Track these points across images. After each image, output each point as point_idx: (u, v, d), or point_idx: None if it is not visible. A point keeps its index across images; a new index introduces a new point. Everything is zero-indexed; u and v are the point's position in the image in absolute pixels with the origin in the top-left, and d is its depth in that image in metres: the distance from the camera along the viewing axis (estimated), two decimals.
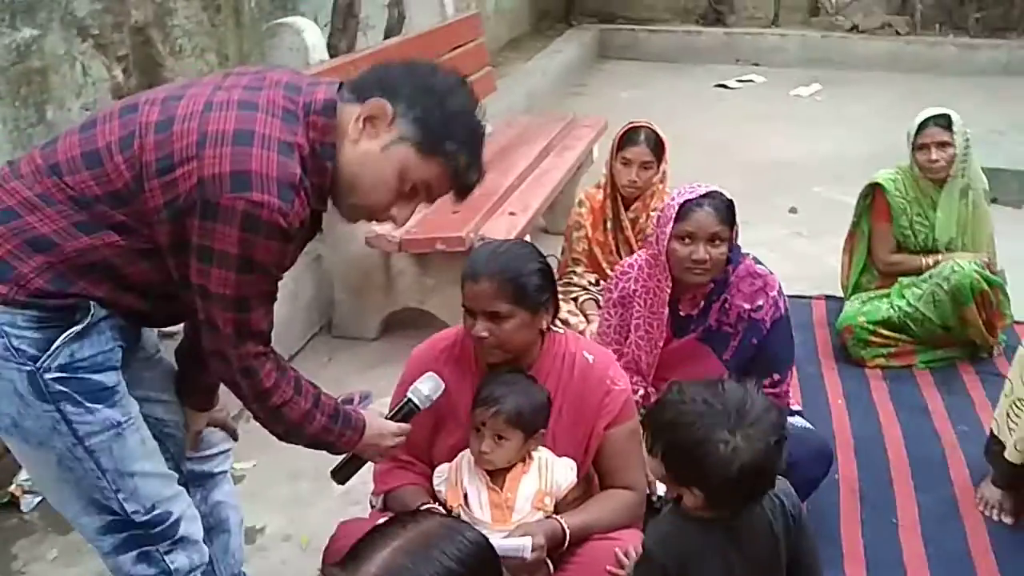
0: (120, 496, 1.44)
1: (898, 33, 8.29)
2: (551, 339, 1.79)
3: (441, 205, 3.22)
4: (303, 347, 3.25)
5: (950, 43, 8.06)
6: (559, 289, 3.19)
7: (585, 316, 3.11)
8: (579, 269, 3.23)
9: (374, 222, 1.55)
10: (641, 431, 1.96)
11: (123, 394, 1.45)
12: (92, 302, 1.37)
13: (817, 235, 4.16)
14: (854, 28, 8.42)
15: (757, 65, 8.06)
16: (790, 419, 2.05)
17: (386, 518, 1.20)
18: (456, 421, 1.77)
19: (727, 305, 2.23)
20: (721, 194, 2.16)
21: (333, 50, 4.07)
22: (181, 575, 1.52)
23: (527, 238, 3.26)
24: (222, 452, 1.80)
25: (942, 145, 2.91)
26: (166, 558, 1.50)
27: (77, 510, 1.47)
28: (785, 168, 5.27)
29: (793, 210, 4.60)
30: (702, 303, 2.23)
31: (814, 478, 2.13)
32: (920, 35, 8.27)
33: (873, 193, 3.11)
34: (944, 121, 2.92)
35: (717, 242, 2.12)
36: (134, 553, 1.48)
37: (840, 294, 3.34)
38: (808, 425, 2.24)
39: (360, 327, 3.28)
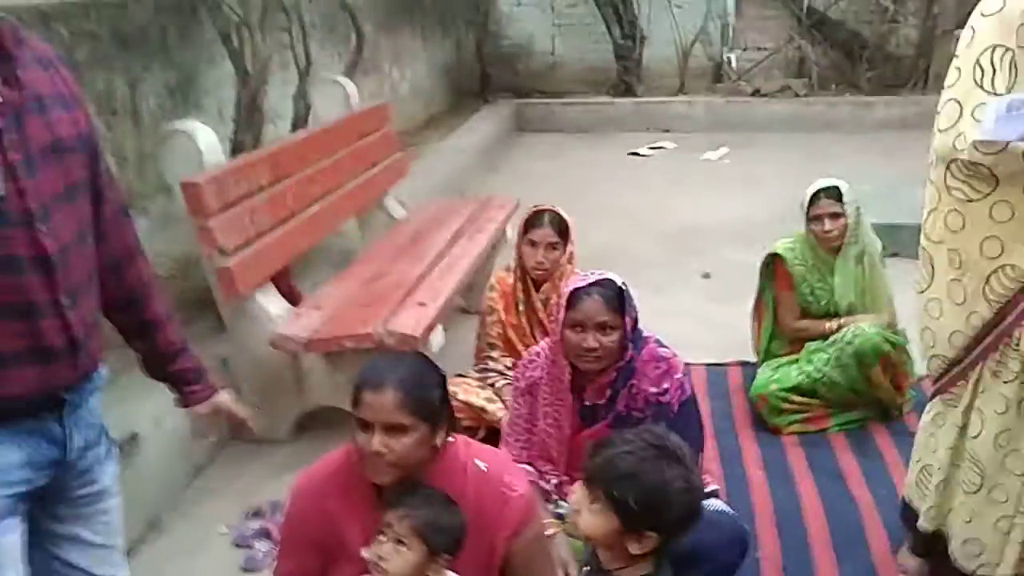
0: None
1: (797, 95, 8.71)
2: (442, 450, 1.74)
3: (349, 300, 3.21)
4: (214, 455, 3.12)
5: (846, 102, 8.50)
6: (476, 374, 3.20)
7: (503, 402, 3.07)
8: (495, 353, 3.21)
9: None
10: (546, 530, 1.94)
11: None
12: None
13: (730, 300, 4.22)
14: (756, 92, 8.82)
15: (667, 132, 8.35)
16: (704, 502, 2.04)
17: None
18: (347, 555, 1.67)
19: (634, 391, 2.23)
20: (611, 281, 2.18)
21: (239, 145, 4.03)
22: None
23: (440, 326, 3.23)
24: None
25: (834, 216, 3.01)
26: None
27: None
28: (697, 233, 5.39)
29: (706, 275, 4.69)
30: (608, 391, 2.23)
31: (731, 563, 2.10)
32: (818, 96, 8.70)
33: (773, 262, 3.19)
34: (835, 192, 3.03)
35: (607, 330, 2.13)
36: None
37: (753, 360, 3.39)
38: (722, 507, 2.22)
39: (272, 430, 3.16)
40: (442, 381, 1.73)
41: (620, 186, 6.53)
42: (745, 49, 9.29)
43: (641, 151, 7.71)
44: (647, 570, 1.60)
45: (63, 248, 1.34)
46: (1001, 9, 1.83)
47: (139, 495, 2.57)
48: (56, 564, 1.48)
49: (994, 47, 1.83)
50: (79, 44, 3.60)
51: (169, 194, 4.09)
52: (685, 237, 5.31)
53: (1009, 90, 1.81)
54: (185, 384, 1.65)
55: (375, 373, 1.67)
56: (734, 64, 9.24)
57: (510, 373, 3.18)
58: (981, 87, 1.84)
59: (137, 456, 2.63)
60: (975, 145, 1.81)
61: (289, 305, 3.17)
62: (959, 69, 1.89)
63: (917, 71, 8.72)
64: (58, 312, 1.33)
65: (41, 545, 1.45)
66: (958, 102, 1.87)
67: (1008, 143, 1.76)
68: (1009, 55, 1.81)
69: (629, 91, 8.96)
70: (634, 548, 1.55)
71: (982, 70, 1.83)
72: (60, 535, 1.47)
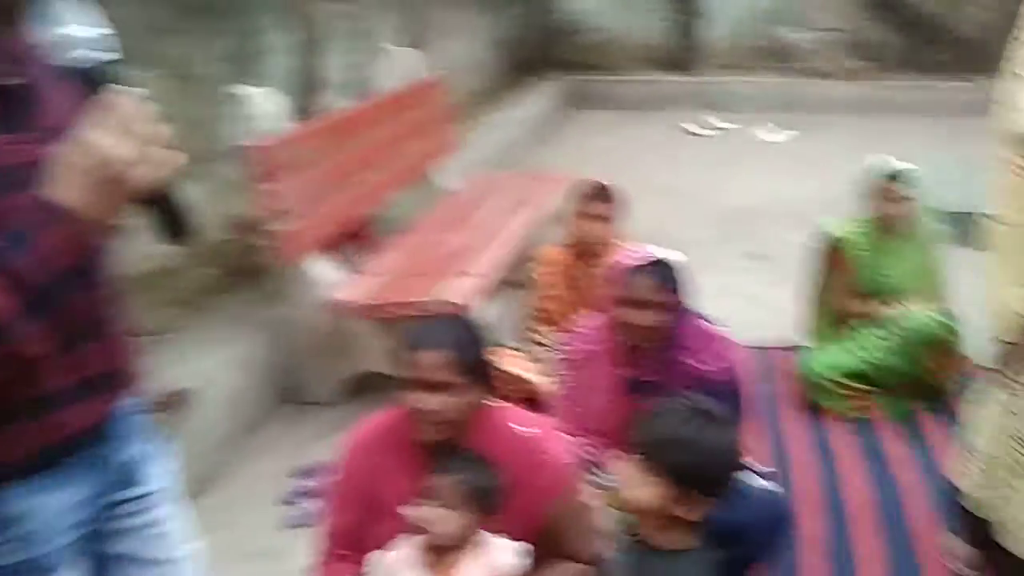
0: None
1: (861, 77, 8.48)
2: (484, 414, 1.77)
3: (401, 268, 3.26)
4: (265, 414, 3.21)
5: (913, 86, 8.24)
6: (521, 346, 3.23)
7: (546, 375, 3.09)
8: (541, 327, 3.23)
9: None
10: (591, 501, 1.96)
11: None
12: None
13: (780, 281, 4.17)
14: (818, 73, 8.61)
15: (725, 111, 8.20)
16: (750, 481, 2.04)
17: None
18: (389, 511, 1.71)
19: (683, 367, 2.22)
20: (663, 260, 2.17)
21: (297, 113, 4.10)
22: None
23: (487, 297, 3.27)
24: None
25: (899, 199, 2.95)
26: None
27: None
28: (751, 213, 5.32)
29: (757, 256, 4.63)
30: (658, 368, 2.23)
31: (771, 540, 2.10)
32: (883, 78, 8.45)
33: (830, 243, 3.14)
34: (901, 175, 2.96)
35: (657, 309, 2.12)
36: None
37: (804, 342, 3.35)
38: (768, 486, 2.21)
39: (321, 392, 3.25)
40: (488, 344, 1.76)
41: (673, 164, 6.47)
42: (808, 29, 9.05)
43: (695, 129, 7.60)
44: (689, 543, 1.61)
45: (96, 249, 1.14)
46: None
47: (193, 451, 2.66)
48: None
49: None
50: (148, 8, 3.69)
51: (226, 159, 4.19)
52: (737, 217, 5.25)
53: None
54: None
55: (425, 333, 1.71)
56: (796, 44, 9.02)
57: (555, 347, 3.20)
58: None
59: (192, 413, 2.72)
60: None
61: (342, 271, 3.23)
62: None
63: (987, 54, 8.40)
64: (106, 332, 1.16)
65: (108, 573, 1.29)
66: None
67: None
68: None
69: (685, 68, 8.83)
70: (685, 513, 1.57)
71: None
72: (119, 555, 1.29)
